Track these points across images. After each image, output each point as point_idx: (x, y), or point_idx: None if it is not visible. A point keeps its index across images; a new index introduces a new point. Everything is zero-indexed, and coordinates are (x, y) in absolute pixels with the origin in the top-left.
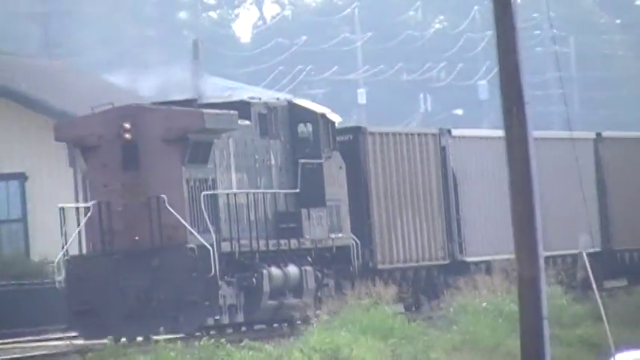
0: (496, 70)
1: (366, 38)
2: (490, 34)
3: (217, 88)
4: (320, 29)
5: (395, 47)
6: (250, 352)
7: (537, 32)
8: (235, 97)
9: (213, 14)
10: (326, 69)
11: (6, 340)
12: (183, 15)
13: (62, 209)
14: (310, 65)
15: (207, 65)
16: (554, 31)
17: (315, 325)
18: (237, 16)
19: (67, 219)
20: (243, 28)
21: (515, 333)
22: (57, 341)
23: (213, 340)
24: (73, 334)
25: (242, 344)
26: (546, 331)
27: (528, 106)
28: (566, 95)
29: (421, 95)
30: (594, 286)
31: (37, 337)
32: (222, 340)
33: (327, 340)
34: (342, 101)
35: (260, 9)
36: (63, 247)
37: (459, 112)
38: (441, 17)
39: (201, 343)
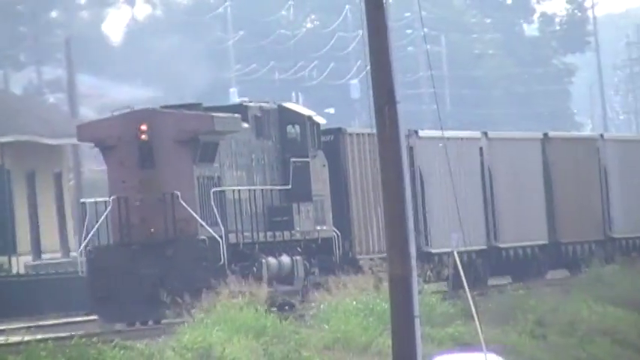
0: (368, 69)
1: (237, 37)
2: (362, 33)
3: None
4: (192, 28)
5: (267, 46)
6: (122, 352)
7: (409, 31)
8: (235, 102)
9: (84, 13)
10: (199, 68)
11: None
12: (54, 14)
13: (84, 204)
14: (182, 64)
15: (78, 64)
16: (426, 30)
17: (186, 324)
18: (108, 15)
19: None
20: (115, 27)
21: (387, 331)
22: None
23: (84, 340)
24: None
25: (113, 343)
26: (418, 330)
27: (400, 105)
28: (438, 94)
29: (293, 94)
30: (465, 284)
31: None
32: (94, 338)
33: (199, 339)
34: (214, 100)
35: (132, 8)
36: (84, 239)
37: (331, 110)
38: (313, 16)
39: (73, 342)
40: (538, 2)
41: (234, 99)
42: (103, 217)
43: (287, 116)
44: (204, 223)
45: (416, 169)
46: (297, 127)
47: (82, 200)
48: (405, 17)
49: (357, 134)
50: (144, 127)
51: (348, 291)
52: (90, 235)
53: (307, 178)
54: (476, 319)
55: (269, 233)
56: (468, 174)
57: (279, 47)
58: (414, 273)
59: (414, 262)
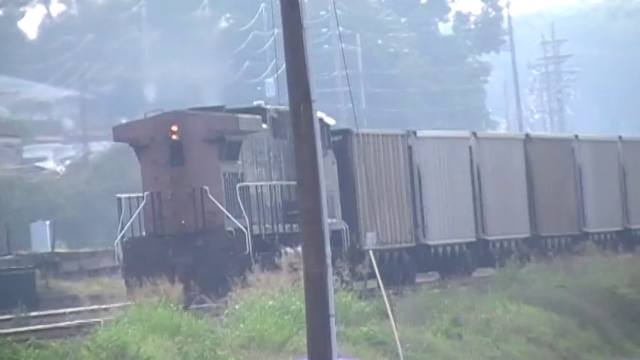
0: (283, 67)
1: (154, 36)
2: (278, 31)
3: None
4: (108, 27)
5: (183, 45)
6: (37, 351)
7: (324, 30)
8: (255, 104)
9: None
10: (114, 66)
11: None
12: None
13: (119, 199)
14: (98, 62)
15: None
16: (341, 28)
17: (102, 323)
18: (23, 13)
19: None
20: (30, 25)
21: (302, 330)
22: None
23: None
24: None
25: (28, 342)
26: (333, 329)
27: (315, 103)
28: (353, 92)
29: (208, 92)
30: (380, 283)
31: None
32: (8, 338)
33: (114, 338)
34: (131, 98)
35: (47, 7)
36: (120, 231)
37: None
38: (228, 15)
39: None
40: (453, 1)
41: (149, 98)
42: (138, 211)
43: None
44: (230, 216)
45: (414, 166)
46: None
47: (117, 195)
48: (321, 16)
49: (364, 134)
50: (174, 128)
51: (264, 290)
52: (126, 228)
53: None
54: (391, 318)
55: (287, 225)
56: (459, 171)
57: (195, 45)
58: (330, 271)
59: (329, 260)
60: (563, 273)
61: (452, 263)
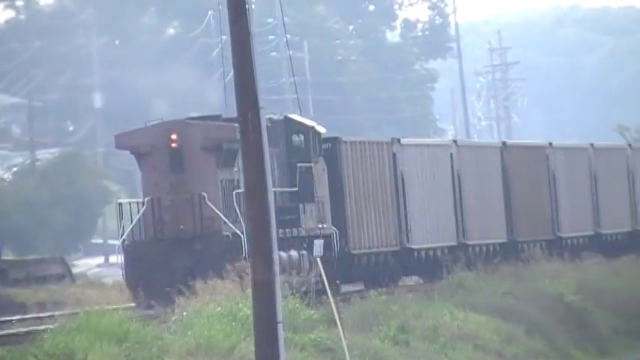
0: (231, 74)
1: (101, 42)
2: (225, 38)
3: None
4: (55, 33)
5: (130, 52)
6: None
7: (272, 37)
8: None
9: None
10: (61, 73)
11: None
12: None
13: (120, 204)
14: (46, 69)
15: None
16: (289, 36)
17: (49, 330)
18: None
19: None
20: None
21: (250, 337)
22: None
23: None
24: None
25: None
26: (281, 335)
27: (263, 110)
28: (301, 99)
29: (156, 100)
30: (328, 290)
31: None
32: None
33: (62, 345)
34: (78, 105)
35: None
36: (122, 235)
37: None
38: (176, 22)
39: None
40: (400, 9)
41: (98, 104)
42: (139, 216)
43: (292, 126)
44: (227, 221)
45: (398, 173)
46: (302, 136)
47: (118, 201)
48: (268, 23)
49: (352, 142)
50: (174, 137)
51: (212, 296)
52: (127, 232)
53: (311, 182)
54: (339, 324)
55: (280, 230)
56: (441, 178)
57: (142, 53)
58: (278, 279)
59: (277, 267)
60: (511, 280)
61: (434, 267)
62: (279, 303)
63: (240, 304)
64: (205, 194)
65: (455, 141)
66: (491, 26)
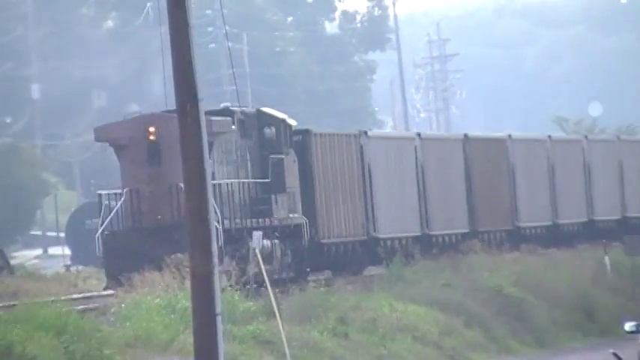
0: (170, 66)
1: (40, 34)
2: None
3: None
4: None
5: (69, 43)
6: None
7: (211, 29)
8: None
9: None
10: None
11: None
12: None
13: (100, 195)
14: None
15: None
16: (228, 28)
17: None
18: None
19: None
20: None
21: (189, 329)
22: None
23: None
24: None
25: None
26: (220, 327)
27: (202, 102)
28: (240, 91)
29: (95, 91)
30: (267, 282)
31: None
32: None
33: None
34: (16, 97)
35: None
36: (101, 225)
37: (136, 107)
38: (114, 14)
39: None
40: (339, 0)
41: (36, 96)
42: (117, 206)
43: (264, 119)
44: None
45: (365, 164)
46: (273, 129)
47: (98, 192)
48: (207, 15)
49: (322, 134)
50: (152, 129)
51: (151, 288)
52: (106, 222)
53: (282, 173)
54: (277, 316)
55: (253, 220)
56: (406, 170)
57: (81, 44)
58: (216, 270)
59: (216, 259)
60: (450, 272)
61: (400, 256)
62: (218, 295)
63: (179, 296)
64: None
65: (419, 134)
66: (430, 18)
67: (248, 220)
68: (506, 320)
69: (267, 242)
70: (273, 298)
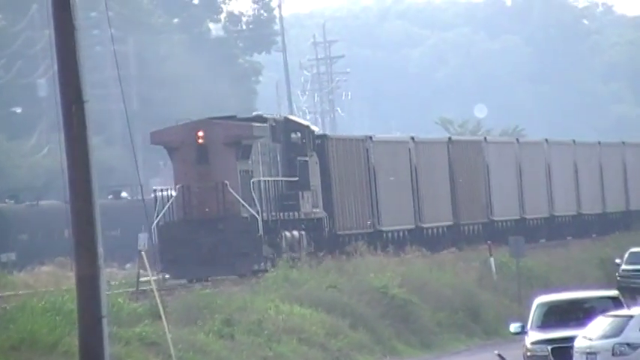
0: (56, 68)
1: None
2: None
3: None
4: None
5: None
6: None
7: (96, 32)
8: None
9: None
10: None
11: None
12: None
13: (155, 190)
14: None
15: None
16: (113, 30)
17: None
18: None
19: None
20: None
21: (74, 331)
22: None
23: None
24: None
25: None
26: (105, 330)
27: (87, 104)
28: (126, 93)
29: None
30: (153, 285)
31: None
32: None
33: None
34: None
35: None
36: (157, 217)
37: (18, 110)
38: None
39: None
40: (224, 2)
41: None
42: (171, 201)
43: (291, 125)
44: (245, 205)
45: (370, 166)
46: (299, 134)
47: (154, 187)
48: (92, 17)
49: (337, 138)
50: (200, 133)
51: (34, 291)
52: (162, 214)
53: (307, 173)
54: (163, 318)
55: (284, 213)
56: (402, 170)
57: None
58: (102, 272)
59: (101, 261)
60: (335, 273)
61: (398, 246)
62: (104, 297)
63: (65, 298)
64: (227, 182)
65: (412, 137)
66: (315, 19)
67: (280, 213)
68: (391, 322)
69: (295, 233)
70: (158, 300)
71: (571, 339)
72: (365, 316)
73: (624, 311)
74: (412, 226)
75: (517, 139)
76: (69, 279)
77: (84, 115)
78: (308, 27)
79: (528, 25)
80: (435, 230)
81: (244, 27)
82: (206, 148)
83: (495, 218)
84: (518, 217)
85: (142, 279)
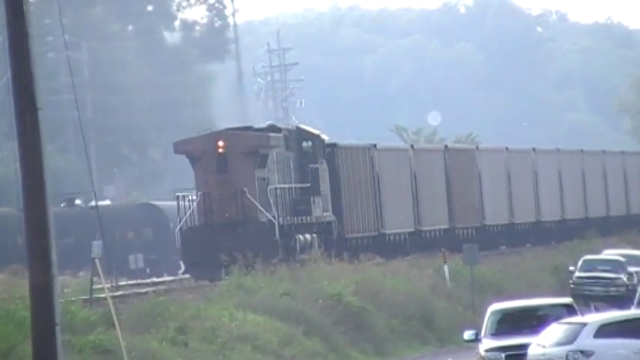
0: (9, 75)
1: None
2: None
3: None
4: None
5: None
6: None
7: (50, 38)
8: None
9: None
10: None
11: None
12: None
13: (178, 197)
14: None
15: None
16: (67, 37)
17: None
18: None
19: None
20: None
21: (28, 339)
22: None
23: None
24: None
25: None
26: (58, 338)
27: (41, 111)
28: (80, 100)
29: None
30: (107, 293)
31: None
32: None
33: None
34: None
35: None
36: (180, 222)
37: None
38: None
39: None
40: (179, 10)
41: None
42: (193, 206)
43: (303, 134)
44: (263, 210)
45: (375, 172)
46: (310, 142)
47: (176, 194)
48: (46, 24)
49: (345, 147)
50: (220, 143)
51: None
52: (184, 219)
53: (317, 179)
54: (117, 326)
55: (298, 218)
56: (403, 176)
57: None
58: (56, 280)
59: (55, 269)
60: (289, 281)
61: (399, 249)
62: (58, 305)
63: (18, 306)
64: (246, 189)
65: (412, 145)
66: (269, 27)
67: (294, 218)
68: (345, 329)
69: (308, 236)
70: (112, 308)
71: (525, 346)
72: (319, 323)
73: (578, 318)
74: (412, 230)
75: (506, 148)
76: (22, 286)
77: (37, 123)
78: (262, 34)
79: (482, 32)
80: (432, 233)
81: (198, 35)
82: (226, 158)
83: (487, 223)
84: (507, 222)
85: (96, 286)
